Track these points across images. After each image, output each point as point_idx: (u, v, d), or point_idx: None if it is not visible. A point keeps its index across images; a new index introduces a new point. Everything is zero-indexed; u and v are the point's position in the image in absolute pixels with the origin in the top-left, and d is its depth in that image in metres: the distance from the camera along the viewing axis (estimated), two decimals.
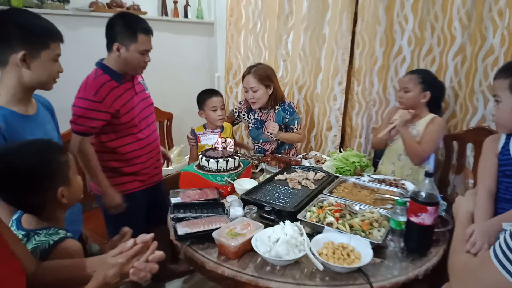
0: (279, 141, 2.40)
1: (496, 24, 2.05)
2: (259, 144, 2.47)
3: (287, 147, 2.43)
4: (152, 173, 1.98)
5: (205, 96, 2.32)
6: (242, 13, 2.95)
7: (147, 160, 1.91)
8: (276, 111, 2.35)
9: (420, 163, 2.05)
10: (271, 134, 2.28)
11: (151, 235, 0.96)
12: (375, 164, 2.30)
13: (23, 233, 1.06)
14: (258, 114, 2.40)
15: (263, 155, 2.34)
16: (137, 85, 1.87)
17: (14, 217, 1.12)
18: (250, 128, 2.45)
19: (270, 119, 2.35)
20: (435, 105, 2.11)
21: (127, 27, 1.68)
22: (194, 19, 3.24)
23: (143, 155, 1.88)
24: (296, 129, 2.34)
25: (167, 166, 2.37)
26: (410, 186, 1.83)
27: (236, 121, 2.58)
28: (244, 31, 2.99)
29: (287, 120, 2.33)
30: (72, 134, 1.74)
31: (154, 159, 1.97)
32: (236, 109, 2.54)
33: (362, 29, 2.49)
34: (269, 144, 2.42)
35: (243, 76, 2.31)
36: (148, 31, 1.74)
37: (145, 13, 2.68)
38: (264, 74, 2.26)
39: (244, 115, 2.48)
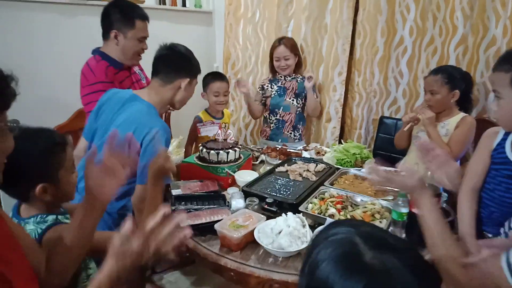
0: (297, 112, 2.59)
1: (499, 14, 2.03)
2: (277, 117, 2.59)
3: (301, 123, 2.63)
4: None
5: (209, 79, 2.31)
6: (241, 1, 2.90)
7: None
8: (298, 81, 2.57)
9: None
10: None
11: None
12: (376, 156, 2.29)
13: (16, 221, 1.03)
14: (281, 82, 2.59)
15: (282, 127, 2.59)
16: (133, 75, 1.86)
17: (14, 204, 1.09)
18: (273, 95, 2.60)
19: (293, 87, 2.57)
20: (464, 100, 1.97)
21: (124, 14, 1.67)
22: (193, 7, 3.19)
23: None
24: (315, 99, 2.59)
25: None
26: None
27: (263, 100, 2.64)
28: (243, 20, 2.95)
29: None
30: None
31: None
32: (260, 85, 2.67)
33: (363, 19, 2.47)
34: (289, 113, 2.58)
35: (273, 48, 2.52)
36: (145, 17, 1.73)
37: (143, 1, 2.63)
38: (294, 44, 2.53)
39: (267, 86, 2.62)
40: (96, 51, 1.74)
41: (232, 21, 2.98)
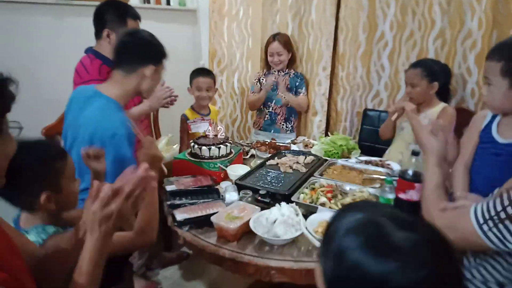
0: (288, 105, 2.67)
1: (474, 8, 2.12)
2: (270, 110, 2.70)
3: (293, 115, 2.72)
4: None
5: (193, 74, 2.39)
6: None
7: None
8: (290, 76, 2.67)
9: None
10: (280, 91, 2.59)
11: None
12: (361, 147, 2.37)
13: None
14: (275, 76, 2.67)
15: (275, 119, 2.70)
16: None
17: (15, 215, 1.09)
18: None
19: (285, 82, 2.66)
20: (443, 90, 2.08)
21: (116, 13, 1.71)
22: (177, 6, 3.20)
23: None
24: (303, 93, 2.69)
25: None
26: (395, 166, 1.92)
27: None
28: (228, 18, 2.98)
29: (297, 84, 2.68)
30: None
31: None
32: (257, 78, 2.76)
33: (345, 15, 2.53)
34: (280, 107, 2.68)
35: (268, 43, 2.62)
36: (136, 17, 1.77)
37: (127, 0, 2.63)
38: (287, 40, 2.62)
39: (263, 79, 2.72)
40: (89, 50, 1.76)
41: (217, 19, 3.00)
